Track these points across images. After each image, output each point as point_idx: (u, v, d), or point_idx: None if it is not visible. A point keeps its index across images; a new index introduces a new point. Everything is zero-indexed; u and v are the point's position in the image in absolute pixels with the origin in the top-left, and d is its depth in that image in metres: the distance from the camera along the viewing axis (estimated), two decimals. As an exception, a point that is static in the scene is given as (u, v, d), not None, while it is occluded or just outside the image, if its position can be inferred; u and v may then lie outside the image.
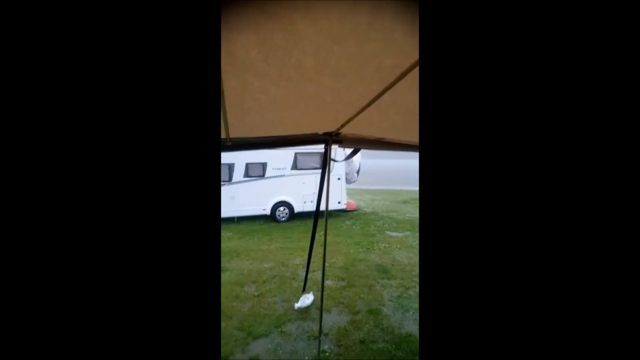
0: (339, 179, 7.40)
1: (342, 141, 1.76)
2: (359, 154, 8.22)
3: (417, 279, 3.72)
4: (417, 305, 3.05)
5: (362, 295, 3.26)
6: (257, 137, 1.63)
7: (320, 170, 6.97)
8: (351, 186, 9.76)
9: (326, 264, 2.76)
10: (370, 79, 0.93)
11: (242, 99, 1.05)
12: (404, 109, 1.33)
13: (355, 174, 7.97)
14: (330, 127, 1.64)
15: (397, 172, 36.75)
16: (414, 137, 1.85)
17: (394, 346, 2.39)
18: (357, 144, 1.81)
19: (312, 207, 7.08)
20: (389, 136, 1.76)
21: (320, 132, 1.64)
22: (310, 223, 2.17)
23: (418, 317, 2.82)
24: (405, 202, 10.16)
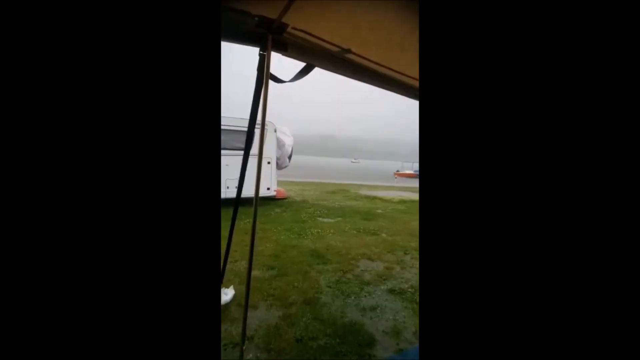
0: (269, 163, 6.69)
1: (287, 45, 1.17)
2: (290, 140, 7.68)
3: (354, 262, 3.41)
4: (357, 289, 2.70)
5: (296, 284, 2.73)
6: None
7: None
8: (280, 178, 9.18)
9: (253, 252, 2.17)
10: None
11: None
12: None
13: (287, 159, 7.39)
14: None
15: (322, 168, 37.95)
16: (392, 63, 1.39)
17: (337, 340, 1.94)
18: (311, 55, 1.25)
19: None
20: (356, 50, 1.25)
21: (254, 12, 1.00)
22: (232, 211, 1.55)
23: (360, 303, 2.46)
24: (333, 192, 10.16)
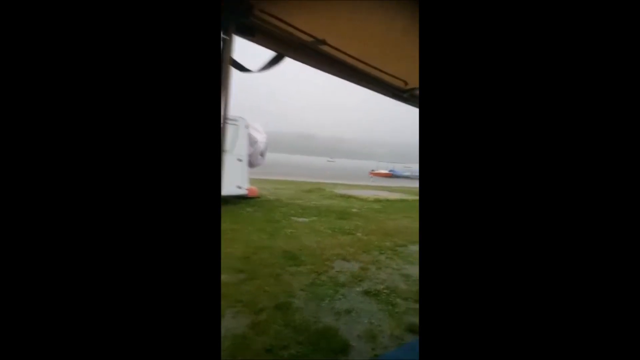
0: (239, 160, 6.43)
1: (254, 29, 1.04)
2: (263, 137, 7.43)
3: (328, 263, 3.34)
4: (331, 292, 2.63)
5: (266, 288, 2.59)
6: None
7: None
8: (254, 176, 8.90)
9: (220, 254, 1.99)
10: None
11: None
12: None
13: (260, 157, 7.15)
14: None
15: (299, 166, 37.67)
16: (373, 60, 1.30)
17: (310, 348, 1.84)
18: (281, 43, 1.12)
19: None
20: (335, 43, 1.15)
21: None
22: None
23: (334, 306, 2.39)
24: (309, 191, 10.06)
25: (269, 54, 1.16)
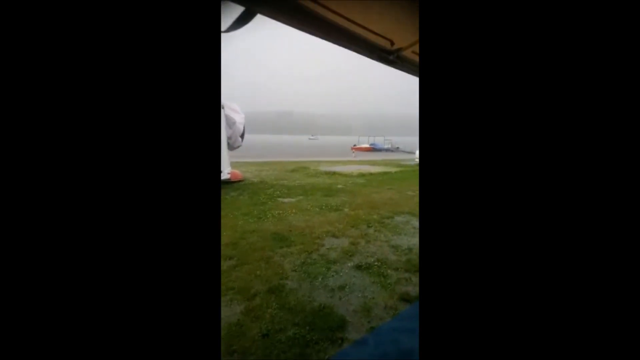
0: (218, 143, 6.12)
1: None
2: (241, 118, 7.07)
3: (318, 241, 3.31)
4: (324, 270, 2.61)
5: (258, 273, 2.54)
6: None
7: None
8: (235, 159, 8.58)
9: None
10: None
11: None
12: None
13: (240, 138, 6.85)
14: None
15: (280, 146, 37.02)
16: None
17: (307, 328, 1.82)
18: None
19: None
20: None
21: None
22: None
23: (327, 284, 2.38)
24: (293, 170, 9.91)
25: (237, 9, 0.99)
